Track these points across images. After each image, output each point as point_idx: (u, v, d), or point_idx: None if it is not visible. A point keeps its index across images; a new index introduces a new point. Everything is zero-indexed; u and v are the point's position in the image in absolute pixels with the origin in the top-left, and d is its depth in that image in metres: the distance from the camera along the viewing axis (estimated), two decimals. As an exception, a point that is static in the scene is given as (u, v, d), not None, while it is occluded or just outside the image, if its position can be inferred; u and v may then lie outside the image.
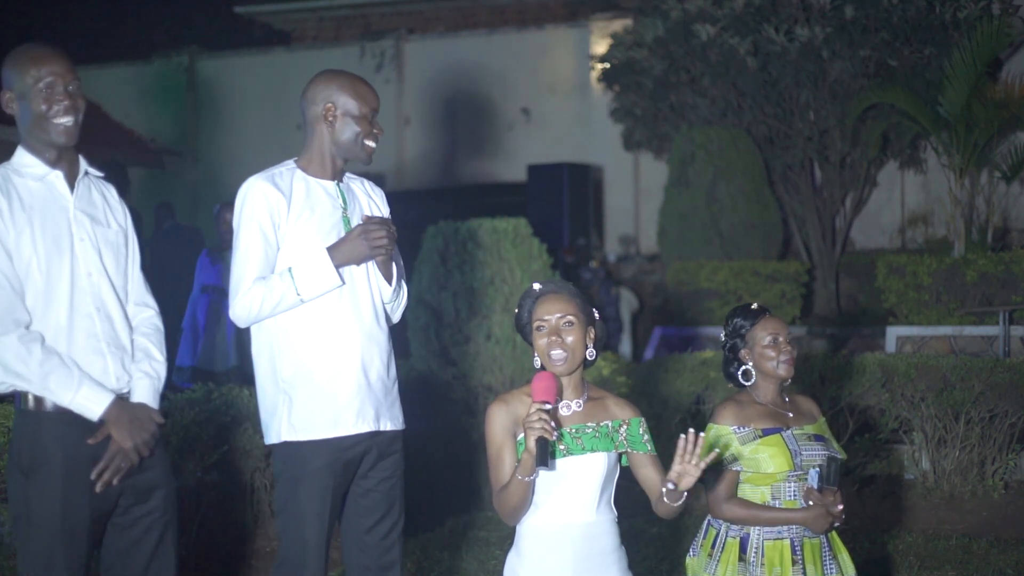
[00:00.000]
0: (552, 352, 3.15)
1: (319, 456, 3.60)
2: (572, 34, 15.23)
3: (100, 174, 3.51)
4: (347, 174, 3.82)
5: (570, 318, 3.17)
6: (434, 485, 6.97)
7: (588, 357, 3.22)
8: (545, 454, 2.96)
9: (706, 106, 12.39)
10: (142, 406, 3.38)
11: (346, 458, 3.64)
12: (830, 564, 3.57)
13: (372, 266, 3.72)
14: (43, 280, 3.28)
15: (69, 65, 3.35)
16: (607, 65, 13.24)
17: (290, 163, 3.76)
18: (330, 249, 3.61)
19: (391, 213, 3.90)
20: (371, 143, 3.73)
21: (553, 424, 2.98)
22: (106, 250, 3.40)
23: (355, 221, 3.72)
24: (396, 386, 3.81)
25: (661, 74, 12.47)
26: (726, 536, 3.57)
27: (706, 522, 3.67)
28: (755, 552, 3.52)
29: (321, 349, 3.63)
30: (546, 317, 3.18)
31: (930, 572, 5.55)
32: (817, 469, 3.54)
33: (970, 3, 11.17)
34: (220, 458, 5.44)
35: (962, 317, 8.58)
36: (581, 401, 3.21)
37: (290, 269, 3.59)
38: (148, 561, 3.41)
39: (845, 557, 3.64)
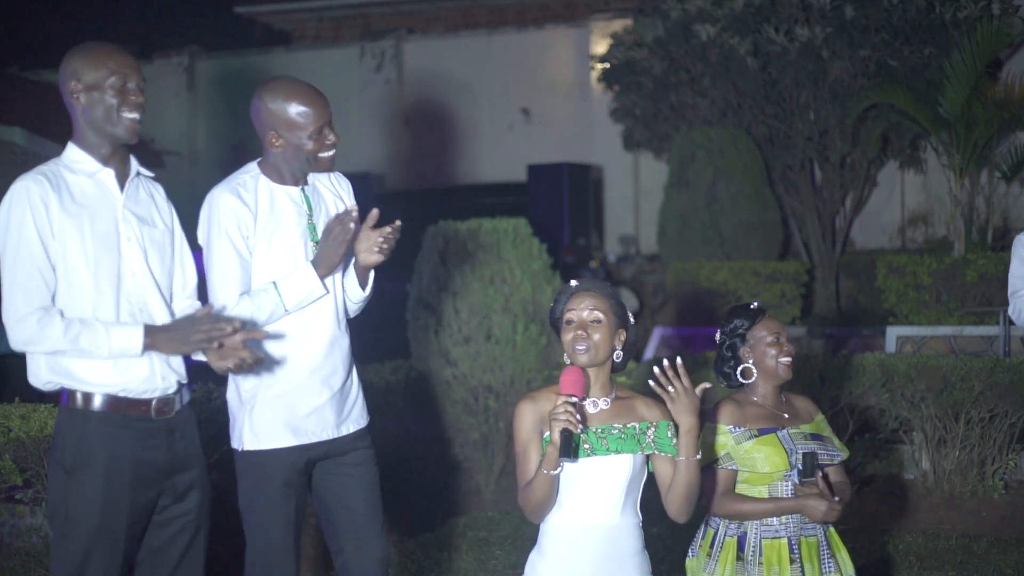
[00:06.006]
0: (576, 346, 3.16)
1: (280, 460, 3.62)
2: (572, 34, 15.21)
3: (151, 174, 3.52)
4: (311, 173, 3.74)
5: (598, 315, 3.18)
6: (435, 485, 6.97)
7: (615, 359, 3.22)
8: (569, 446, 2.97)
9: (706, 106, 12.38)
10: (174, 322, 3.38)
11: (308, 457, 3.67)
12: (828, 562, 3.57)
13: (337, 273, 3.70)
14: (91, 279, 3.28)
15: (139, 65, 3.38)
16: (607, 65, 13.23)
17: (253, 167, 3.68)
18: (314, 262, 3.60)
19: (390, 213, 3.89)
20: (325, 155, 3.64)
21: (579, 417, 2.99)
22: (151, 250, 3.41)
23: (321, 227, 3.68)
24: (358, 387, 3.81)
25: (661, 74, 12.46)
26: (724, 535, 3.57)
27: (704, 522, 3.67)
28: (753, 551, 3.52)
29: (281, 359, 3.62)
30: (575, 311, 3.19)
31: (930, 572, 5.56)
32: (796, 467, 3.54)
33: (970, 3, 11.15)
34: (220, 458, 5.43)
35: (962, 317, 8.57)
36: (608, 400, 3.21)
37: (275, 283, 3.57)
38: (178, 561, 3.42)
39: (844, 555, 3.64)
